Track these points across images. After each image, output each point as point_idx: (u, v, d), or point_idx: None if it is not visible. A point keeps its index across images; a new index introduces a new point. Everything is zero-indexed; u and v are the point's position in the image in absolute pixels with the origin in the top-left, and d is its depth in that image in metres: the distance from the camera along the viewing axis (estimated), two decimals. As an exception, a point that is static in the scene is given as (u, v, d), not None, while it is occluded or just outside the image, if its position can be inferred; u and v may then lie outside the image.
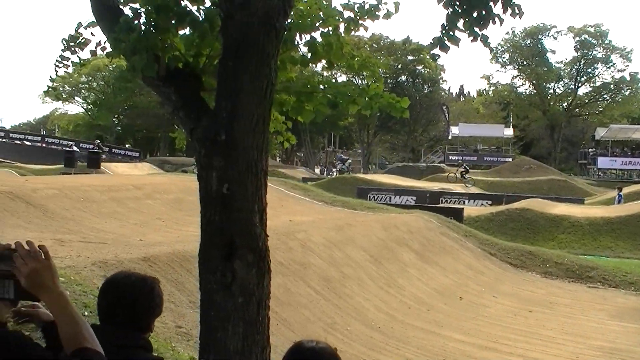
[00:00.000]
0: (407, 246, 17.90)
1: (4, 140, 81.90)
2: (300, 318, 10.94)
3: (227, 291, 4.40)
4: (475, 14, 4.62)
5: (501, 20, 4.69)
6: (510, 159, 72.95)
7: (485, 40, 4.77)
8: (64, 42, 5.38)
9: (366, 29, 5.77)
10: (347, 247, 15.45)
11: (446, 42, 4.67)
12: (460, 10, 4.62)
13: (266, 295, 4.56)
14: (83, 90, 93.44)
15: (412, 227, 19.79)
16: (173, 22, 4.53)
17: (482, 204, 38.78)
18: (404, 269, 16.17)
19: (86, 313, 7.66)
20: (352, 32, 5.75)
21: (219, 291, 4.43)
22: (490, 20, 4.66)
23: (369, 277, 14.63)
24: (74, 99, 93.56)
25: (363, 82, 6.19)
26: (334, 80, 6.08)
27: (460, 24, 4.65)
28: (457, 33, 4.71)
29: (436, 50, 4.75)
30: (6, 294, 2.55)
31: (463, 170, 53.30)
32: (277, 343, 4.99)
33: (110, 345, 2.93)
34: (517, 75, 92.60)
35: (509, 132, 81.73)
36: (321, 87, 5.48)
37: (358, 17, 5.59)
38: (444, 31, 4.64)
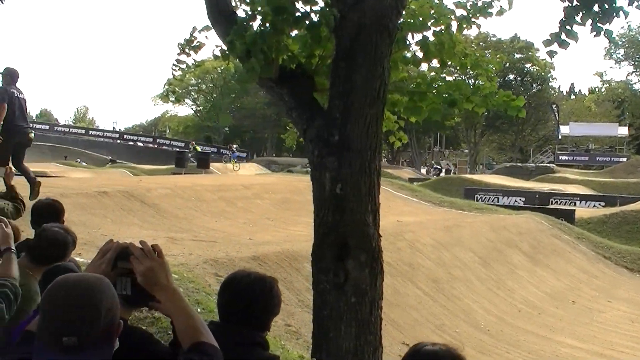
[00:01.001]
0: (516, 248, 17.51)
1: (118, 141, 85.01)
2: (409, 319, 10.86)
3: (340, 291, 4.40)
4: (596, 8, 4.44)
5: (626, 14, 4.49)
6: (624, 159, 69.89)
7: (609, 35, 4.57)
8: (180, 46, 5.52)
9: (479, 26, 5.67)
10: (455, 248, 15.24)
11: (564, 37, 4.50)
12: (579, 4, 4.45)
13: (379, 295, 4.53)
14: (192, 93, 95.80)
15: (522, 228, 19.34)
16: (289, 23, 4.56)
17: (594, 206, 37.37)
18: (513, 271, 15.82)
19: (199, 310, 7.82)
20: (465, 31, 5.65)
21: (331, 291, 4.43)
22: (615, 14, 4.47)
23: (478, 279, 14.40)
24: (184, 100, 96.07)
25: (470, 81, 6.07)
26: (449, 79, 5.95)
27: (579, 17, 4.48)
28: (575, 28, 4.54)
29: (554, 47, 4.59)
30: (124, 290, 2.62)
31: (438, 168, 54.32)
32: (385, 344, 4.95)
33: (229, 343, 2.97)
34: (633, 72, 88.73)
35: (624, 131, 78.34)
36: (434, 85, 5.40)
37: (470, 15, 5.49)
38: (561, 26, 4.48)
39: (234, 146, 63.30)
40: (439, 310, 11.89)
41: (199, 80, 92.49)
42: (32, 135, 11.85)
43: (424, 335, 10.27)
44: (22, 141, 11.55)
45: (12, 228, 5.40)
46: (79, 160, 63.79)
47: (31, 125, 12.03)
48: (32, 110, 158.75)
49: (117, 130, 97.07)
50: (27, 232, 6.22)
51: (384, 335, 4.86)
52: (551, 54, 4.62)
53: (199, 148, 63.32)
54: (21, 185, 11.85)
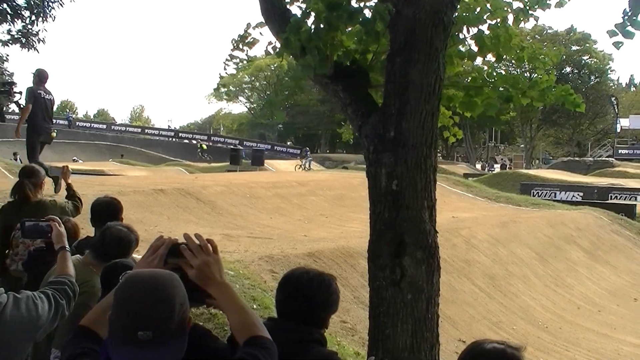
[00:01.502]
0: (575, 244, 17.19)
1: (173, 140, 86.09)
2: (465, 316, 10.76)
3: (396, 288, 4.38)
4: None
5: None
6: (687, 152, 68.03)
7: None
8: (234, 42, 5.55)
9: (537, 19, 5.56)
10: (511, 244, 15.05)
11: (629, 28, 4.34)
12: (646, -8, 4.28)
13: (436, 292, 4.50)
14: (246, 90, 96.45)
15: (580, 224, 18.98)
16: (343, 19, 4.54)
17: (656, 200, 36.36)
18: (572, 268, 15.55)
19: (254, 306, 7.87)
20: (522, 24, 5.55)
21: (388, 288, 4.42)
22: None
23: (535, 276, 14.19)
24: (238, 98, 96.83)
25: (526, 75, 5.95)
26: (502, 72, 5.84)
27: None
28: None
29: (618, 38, 4.42)
30: None
31: None
32: (441, 341, 4.90)
33: (287, 339, 2.98)
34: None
35: (687, 123, 76.16)
36: (490, 80, 5.32)
37: (528, 7, 5.39)
38: (626, 17, 4.32)
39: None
40: (495, 307, 11.76)
41: (253, 78, 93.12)
42: (54, 134, 12.54)
43: (480, 332, 10.17)
44: (45, 140, 12.44)
45: (72, 225, 5.55)
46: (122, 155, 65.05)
47: (53, 124, 13.00)
48: (90, 110, 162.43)
49: (172, 128, 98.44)
50: (87, 229, 6.33)
51: (440, 332, 4.83)
52: (617, 44, 4.45)
53: (205, 146, 64.55)
54: (79, 183, 12.07)
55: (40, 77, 12.25)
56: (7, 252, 5.82)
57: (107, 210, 5.48)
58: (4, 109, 12.17)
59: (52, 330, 3.83)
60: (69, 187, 7.22)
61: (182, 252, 2.60)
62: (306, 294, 3.16)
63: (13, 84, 12.52)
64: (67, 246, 3.95)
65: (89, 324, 2.59)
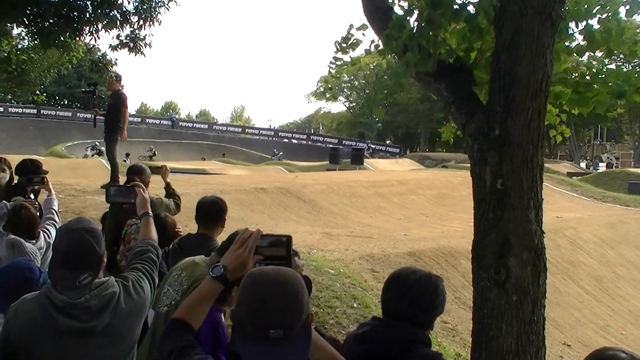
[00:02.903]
0: (690, 246, 16.47)
1: (273, 139, 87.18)
2: (570, 319, 10.48)
3: (501, 289, 4.30)
4: None
5: None
6: None
7: None
8: (337, 44, 5.56)
9: (656, 9, 5.31)
10: (620, 246, 14.56)
11: None
12: None
13: (542, 294, 4.39)
14: (345, 89, 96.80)
15: (693, 226, 18.17)
16: (447, 17, 4.49)
17: None
18: (686, 272, 14.90)
19: (355, 305, 7.89)
20: (636, 16, 5.31)
21: (492, 289, 4.33)
22: None
23: (646, 279, 13.69)
24: (337, 97, 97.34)
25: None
26: (612, 67, 5.62)
27: None
28: None
29: None
30: None
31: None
32: (546, 344, 4.79)
33: (392, 338, 2.98)
34: None
35: None
36: (600, 76, 5.13)
37: (645, -2, 5.15)
38: None
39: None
40: (602, 311, 11.40)
41: (352, 77, 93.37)
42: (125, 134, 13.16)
43: (586, 337, 9.90)
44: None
45: (170, 222, 5.73)
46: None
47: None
48: (192, 110, 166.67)
49: (272, 128, 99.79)
50: (190, 227, 6.48)
51: (545, 335, 4.72)
52: None
53: (156, 152, 63.32)
54: (182, 182, 12.35)
55: (120, 80, 13.03)
56: (115, 248, 6.02)
57: (211, 209, 5.58)
58: (96, 116, 12.89)
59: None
60: (167, 186, 7.40)
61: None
62: (413, 295, 3.14)
63: (96, 85, 13.24)
64: (150, 212, 4.02)
65: (183, 317, 2.64)
